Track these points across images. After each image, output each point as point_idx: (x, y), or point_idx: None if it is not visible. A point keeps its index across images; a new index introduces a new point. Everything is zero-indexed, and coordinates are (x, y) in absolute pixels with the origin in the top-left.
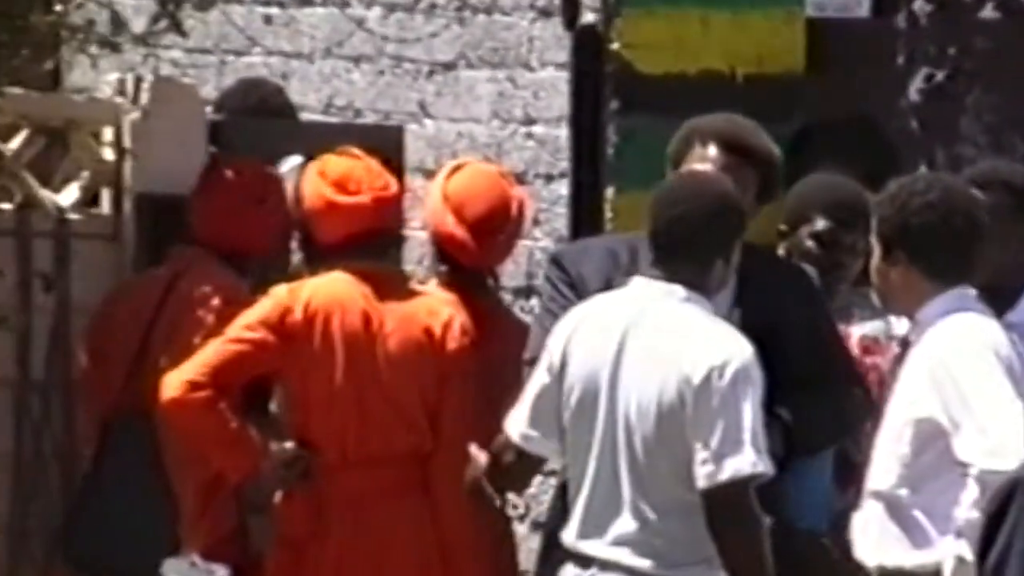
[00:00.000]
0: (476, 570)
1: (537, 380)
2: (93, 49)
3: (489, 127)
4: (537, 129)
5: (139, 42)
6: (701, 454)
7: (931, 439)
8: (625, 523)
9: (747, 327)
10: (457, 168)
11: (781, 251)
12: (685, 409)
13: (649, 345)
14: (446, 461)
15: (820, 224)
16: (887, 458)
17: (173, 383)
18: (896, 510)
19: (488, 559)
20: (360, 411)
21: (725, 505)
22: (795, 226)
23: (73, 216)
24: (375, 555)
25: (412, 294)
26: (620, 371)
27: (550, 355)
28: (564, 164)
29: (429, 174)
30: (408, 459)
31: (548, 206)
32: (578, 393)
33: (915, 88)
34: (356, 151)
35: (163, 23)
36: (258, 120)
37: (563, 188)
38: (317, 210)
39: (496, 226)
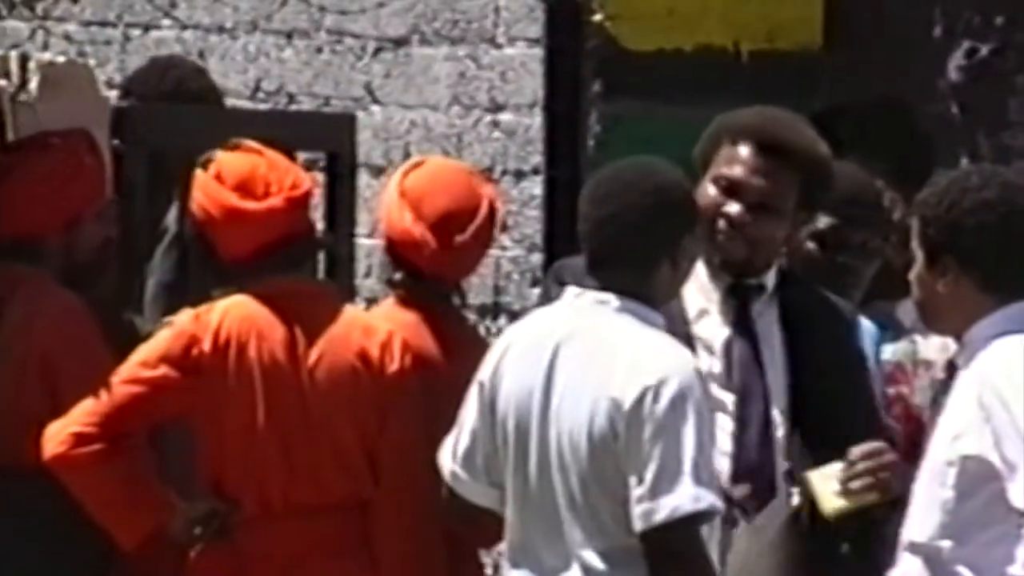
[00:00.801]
0: None
1: (470, 410)
2: None
3: (448, 115)
4: (505, 117)
5: (24, 12)
6: (635, 491)
7: (979, 481)
8: None
9: (799, 382)
10: (417, 164)
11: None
12: (618, 439)
13: (579, 367)
14: (388, 509)
15: (822, 222)
16: (926, 503)
17: (57, 436)
18: (937, 565)
19: None
20: (285, 454)
21: (665, 550)
22: (795, 225)
23: None
24: None
25: (342, 311)
26: (551, 399)
27: (480, 383)
28: (537, 158)
29: (377, 171)
30: (344, 509)
31: (518, 208)
32: (510, 430)
33: (955, 65)
34: (253, 144)
35: None
36: (174, 107)
37: (536, 187)
38: (217, 220)
39: (461, 225)
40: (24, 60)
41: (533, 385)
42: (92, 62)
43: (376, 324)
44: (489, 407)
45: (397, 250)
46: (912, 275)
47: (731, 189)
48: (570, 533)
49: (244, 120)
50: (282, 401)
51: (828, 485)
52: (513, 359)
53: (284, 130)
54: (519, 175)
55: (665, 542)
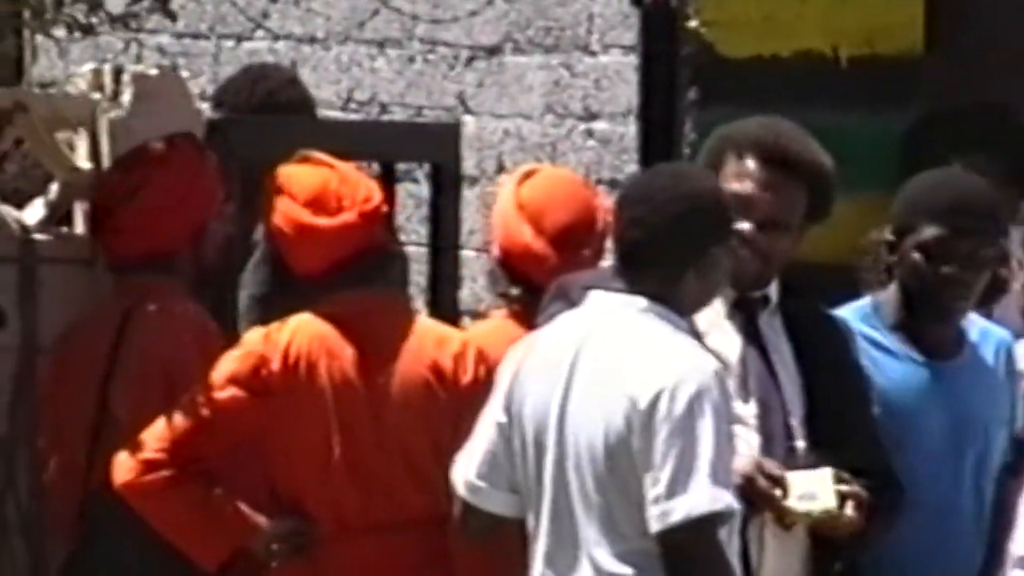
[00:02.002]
0: None
1: (488, 419)
2: (61, 32)
3: (542, 123)
4: (599, 125)
5: (118, 24)
6: (651, 492)
7: None
8: None
9: (811, 391)
10: (529, 173)
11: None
12: (634, 439)
13: (598, 367)
14: None
15: (928, 232)
16: None
17: (126, 463)
18: None
19: None
20: (359, 472)
21: (682, 551)
22: (902, 235)
23: (40, 237)
24: None
25: (415, 323)
26: (569, 400)
27: (499, 389)
28: (632, 167)
29: (470, 181)
30: (422, 524)
31: None
32: (529, 431)
33: None
34: (323, 156)
35: (147, 1)
36: (267, 118)
37: None
38: (289, 237)
39: (581, 238)
40: (118, 73)
41: (554, 386)
42: (185, 74)
43: (449, 335)
44: (507, 410)
45: (514, 264)
46: (1018, 284)
47: (740, 206)
48: (585, 534)
49: (343, 131)
50: (354, 418)
51: (800, 488)
52: (534, 362)
53: (386, 141)
54: (614, 185)
55: (682, 543)
